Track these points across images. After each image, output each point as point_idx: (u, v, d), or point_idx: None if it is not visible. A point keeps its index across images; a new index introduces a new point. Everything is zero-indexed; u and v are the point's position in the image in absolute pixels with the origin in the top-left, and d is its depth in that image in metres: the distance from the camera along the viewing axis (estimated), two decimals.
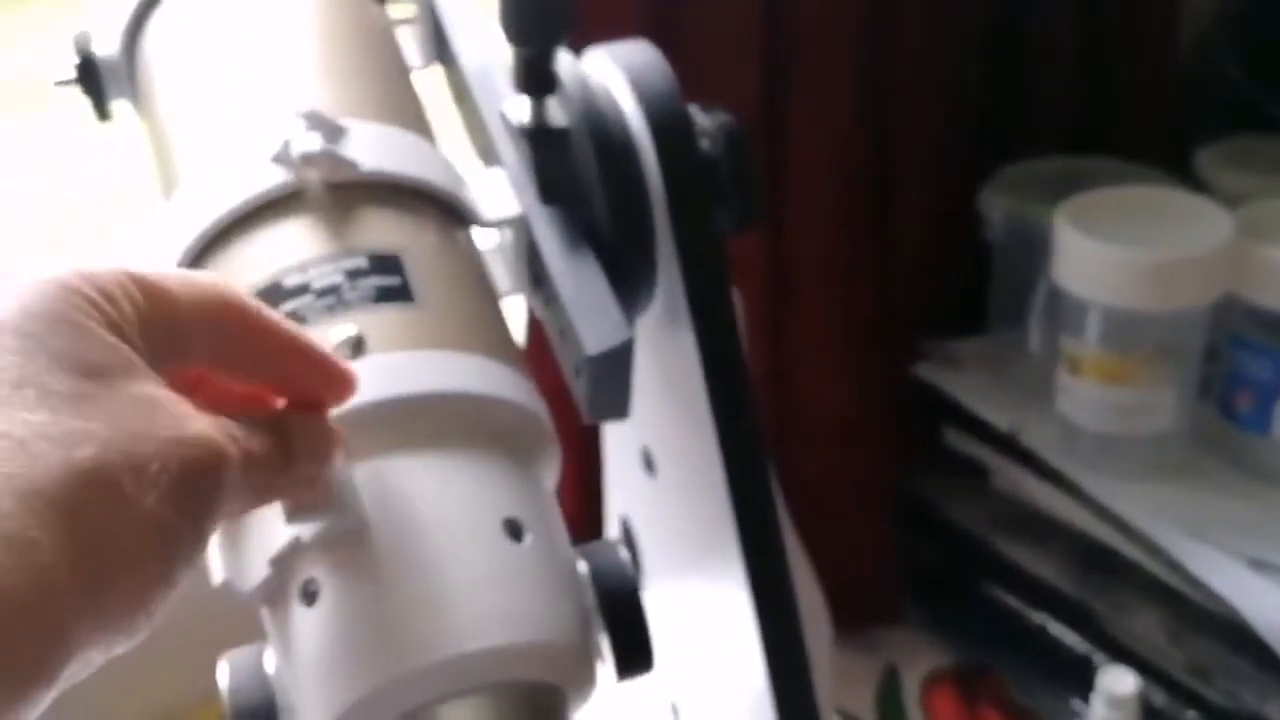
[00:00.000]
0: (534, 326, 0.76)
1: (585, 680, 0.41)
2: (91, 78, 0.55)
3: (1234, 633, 0.75)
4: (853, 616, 0.94)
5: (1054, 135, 0.94)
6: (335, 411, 0.39)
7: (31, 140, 1.00)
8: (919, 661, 0.93)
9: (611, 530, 0.70)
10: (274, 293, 0.43)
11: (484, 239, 0.51)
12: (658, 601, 0.69)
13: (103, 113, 0.56)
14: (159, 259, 0.46)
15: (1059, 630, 0.84)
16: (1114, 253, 0.71)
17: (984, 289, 0.91)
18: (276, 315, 0.35)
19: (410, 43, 0.57)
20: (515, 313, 0.55)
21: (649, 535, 0.68)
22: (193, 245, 0.45)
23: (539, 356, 0.66)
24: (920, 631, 0.95)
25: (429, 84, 0.57)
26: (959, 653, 0.92)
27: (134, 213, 1.13)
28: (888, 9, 0.80)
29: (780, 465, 0.78)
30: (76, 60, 0.55)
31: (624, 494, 0.69)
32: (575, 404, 0.51)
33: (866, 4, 0.79)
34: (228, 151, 0.46)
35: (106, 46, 0.54)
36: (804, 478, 0.91)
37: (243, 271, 0.44)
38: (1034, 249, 0.80)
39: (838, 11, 0.78)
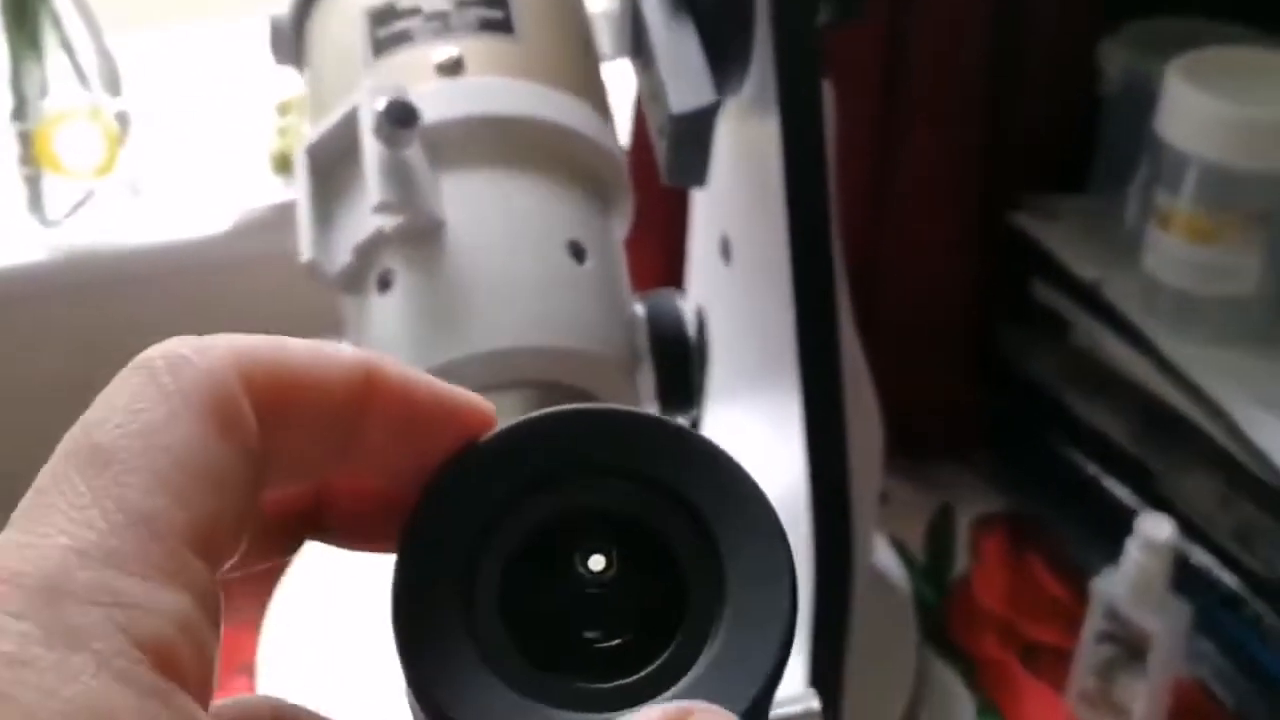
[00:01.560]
0: (639, 117, 0.78)
1: (622, 399, 0.44)
2: None
3: None
4: (918, 450, 0.97)
5: None
6: (427, 122, 0.42)
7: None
8: (975, 504, 0.96)
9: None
10: (388, 12, 0.46)
11: (596, 2, 0.53)
12: (721, 391, 0.72)
13: None
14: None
15: (1112, 485, 0.86)
16: (1218, 106, 0.71)
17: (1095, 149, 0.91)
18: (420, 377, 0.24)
19: None
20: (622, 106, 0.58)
21: (721, 326, 0.71)
22: None
23: (641, 146, 0.68)
24: (982, 476, 0.97)
25: None
26: (1016, 501, 0.95)
27: None
28: None
29: (867, 291, 0.80)
30: None
31: (702, 284, 0.72)
32: (663, 192, 0.53)
33: None
34: None
35: None
36: (889, 308, 0.92)
37: None
38: (1147, 107, 0.80)
39: None
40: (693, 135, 0.51)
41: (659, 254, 0.83)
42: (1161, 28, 0.86)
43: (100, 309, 0.86)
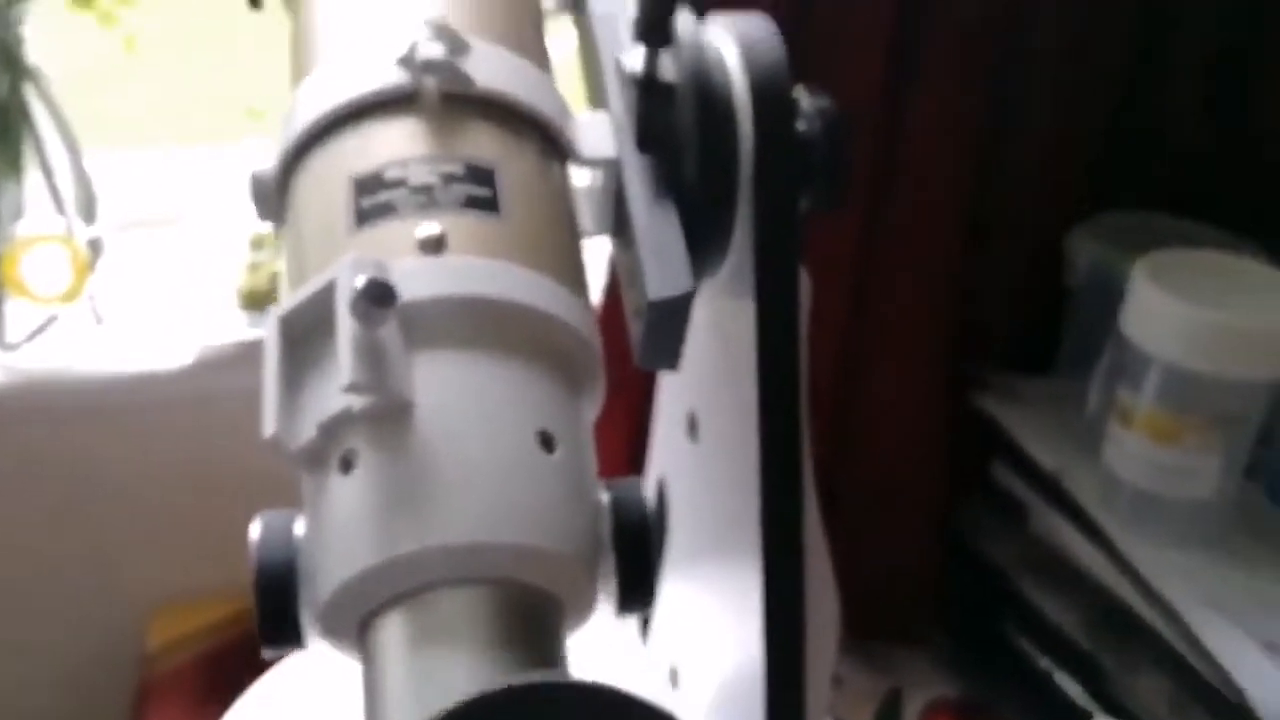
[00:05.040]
0: (615, 281, 0.79)
1: (583, 597, 0.43)
2: None
3: (1235, 712, 0.75)
4: (871, 629, 0.95)
5: (1172, 185, 0.93)
6: (404, 300, 0.42)
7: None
8: (927, 687, 0.95)
9: (648, 488, 0.72)
10: (374, 182, 0.46)
11: (578, 178, 0.54)
12: (678, 565, 0.71)
13: (255, 2, 0.59)
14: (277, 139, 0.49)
15: (1064, 680, 0.85)
16: (1182, 310, 0.72)
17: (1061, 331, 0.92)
18: None
19: None
20: (599, 267, 0.58)
21: (681, 499, 0.70)
22: (310, 127, 0.48)
23: (615, 308, 0.68)
24: (934, 658, 0.96)
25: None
26: (967, 685, 0.94)
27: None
28: (1016, 17, 0.81)
29: (830, 462, 0.79)
30: None
31: (665, 455, 0.72)
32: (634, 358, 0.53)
33: (998, 11, 0.80)
34: (357, 48, 0.49)
35: None
36: (851, 482, 0.92)
37: (349, 158, 0.47)
38: (1112, 300, 0.81)
39: (970, 16, 0.80)
40: (669, 321, 0.50)
41: (625, 417, 0.83)
42: (1128, 221, 0.88)
43: (56, 436, 0.84)
